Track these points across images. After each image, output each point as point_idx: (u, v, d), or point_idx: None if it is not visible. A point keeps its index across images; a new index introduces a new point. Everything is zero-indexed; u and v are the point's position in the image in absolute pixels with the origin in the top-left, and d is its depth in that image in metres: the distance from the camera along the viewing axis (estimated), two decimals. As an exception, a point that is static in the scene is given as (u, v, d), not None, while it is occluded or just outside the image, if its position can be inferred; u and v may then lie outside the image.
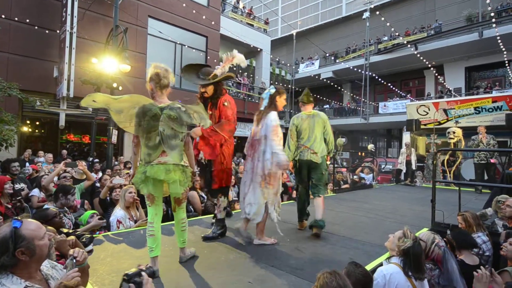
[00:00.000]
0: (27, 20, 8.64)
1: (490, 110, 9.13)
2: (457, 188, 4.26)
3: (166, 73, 2.32)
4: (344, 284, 1.39)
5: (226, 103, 3.00)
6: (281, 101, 3.13)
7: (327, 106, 21.48)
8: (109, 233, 3.16)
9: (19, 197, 3.67)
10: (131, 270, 1.46)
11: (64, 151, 8.34)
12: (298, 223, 3.71)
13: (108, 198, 4.02)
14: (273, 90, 3.12)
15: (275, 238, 3.10)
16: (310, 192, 3.63)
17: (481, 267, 1.72)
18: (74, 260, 1.54)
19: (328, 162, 3.88)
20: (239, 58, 3.12)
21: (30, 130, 9.58)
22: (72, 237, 1.78)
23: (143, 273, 1.43)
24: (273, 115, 2.92)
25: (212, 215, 3.56)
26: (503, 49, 13.02)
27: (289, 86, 20.90)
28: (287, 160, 2.84)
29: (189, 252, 2.58)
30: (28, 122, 9.35)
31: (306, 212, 3.71)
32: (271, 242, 3.04)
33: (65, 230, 2.28)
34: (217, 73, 3.03)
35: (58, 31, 8.90)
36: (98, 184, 4.84)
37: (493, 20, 12.92)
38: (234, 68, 18.73)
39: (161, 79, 2.29)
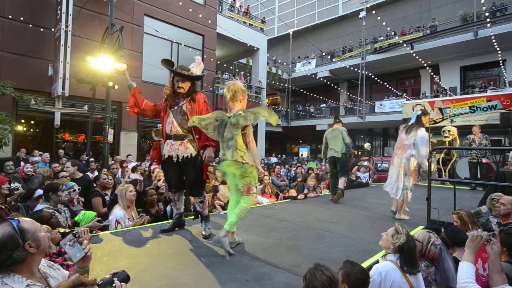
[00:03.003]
0: (21, 18, 8.55)
1: (485, 109, 9.22)
2: (452, 186, 4.32)
3: (242, 92, 2.88)
4: (332, 274, 1.40)
5: (207, 100, 3.24)
6: (425, 119, 4.31)
7: (324, 105, 21.52)
8: (106, 232, 3.15)
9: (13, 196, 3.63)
10: (104, 277, 1.39)
11: (61, 151, 8.19)
12: (331, 195, 5.63)
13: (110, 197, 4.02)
14: (419, 112, 4.31)
15: (409, 216, 4.25)
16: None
17: (479, 230, 1.74)
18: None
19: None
20: (201, 67, 3.28)
21: (24, 129, 9.50)
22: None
23: (115, 279, 1.38)
24: (423, 131, 4.10)
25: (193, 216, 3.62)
26: (498, 48, 13.13)
27: (286, 85, 20.92)
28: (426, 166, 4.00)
29: (227, 248, 2.68)
30: (22, 121, 9.26)
31: (336, 189, 5.48)
32: (407, 218, 4.22)
33: (61, 230, 2.27)
34: (192, 71, 3.16)
35: (53, 29, 8.82)
36: (94, 184, 4.81)
37: (488, 20, 13.01)
38: (231, 67, 18.74)
39: (235, 95, 2.84)
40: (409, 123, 4.36)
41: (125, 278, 1.42)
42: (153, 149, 3.36)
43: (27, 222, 1.36)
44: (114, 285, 1.35)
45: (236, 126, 2.72)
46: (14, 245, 1.24)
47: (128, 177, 3.97)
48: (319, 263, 1.47)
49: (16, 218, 1.35)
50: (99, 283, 1.35)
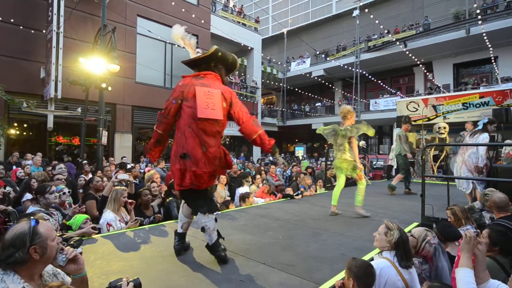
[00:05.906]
0: (12, 20, 8.43)
1: (478, 105, 9.31)
2: (446, 182, 4.35)
3: (350, 113, 4.33)
4: None
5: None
6: (491, 128, 4.68)
7: (319, 104, 21.56)
8: (99, 235, 3.11)
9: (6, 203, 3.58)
10: (118, 280, 1.44)
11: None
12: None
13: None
14: (485, 121, 4.65)
15: None
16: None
17: (469, 230, 1.73)
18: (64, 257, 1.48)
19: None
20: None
21: (17, 132, 9.38)
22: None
23: (126, 281, 1.42)
24: (484, 135, 4.49)
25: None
26: (489, 45, 13.27)
27: (281, 84, 20.92)
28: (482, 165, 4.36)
29: (362, 212, 4.22)
30: (15, 124, 9.15)
31: (392, 185, 6.50)
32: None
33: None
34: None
35: (44, 31, 8.71)
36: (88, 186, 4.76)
37: (479, 17, 13.14)
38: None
39: (345, 116, 4.32)
40: (476, 129, 4.73)
41: (137, 286, 1.46)
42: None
43: (44, 226, 1.34)
44: (120, 283, 1.40)
45: (345, 137, 4.19)
46: (21, 245, 1.24)
47: (116, 178, 3.81)
48: None
49: (36, 219, 1.34)
50: (111, 282, 1.42)
